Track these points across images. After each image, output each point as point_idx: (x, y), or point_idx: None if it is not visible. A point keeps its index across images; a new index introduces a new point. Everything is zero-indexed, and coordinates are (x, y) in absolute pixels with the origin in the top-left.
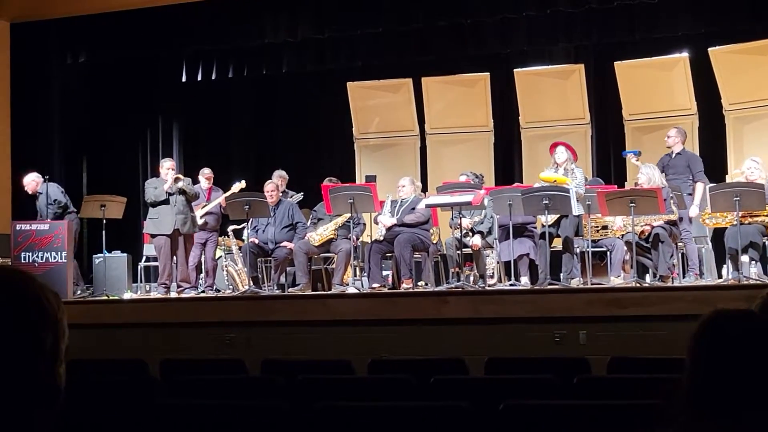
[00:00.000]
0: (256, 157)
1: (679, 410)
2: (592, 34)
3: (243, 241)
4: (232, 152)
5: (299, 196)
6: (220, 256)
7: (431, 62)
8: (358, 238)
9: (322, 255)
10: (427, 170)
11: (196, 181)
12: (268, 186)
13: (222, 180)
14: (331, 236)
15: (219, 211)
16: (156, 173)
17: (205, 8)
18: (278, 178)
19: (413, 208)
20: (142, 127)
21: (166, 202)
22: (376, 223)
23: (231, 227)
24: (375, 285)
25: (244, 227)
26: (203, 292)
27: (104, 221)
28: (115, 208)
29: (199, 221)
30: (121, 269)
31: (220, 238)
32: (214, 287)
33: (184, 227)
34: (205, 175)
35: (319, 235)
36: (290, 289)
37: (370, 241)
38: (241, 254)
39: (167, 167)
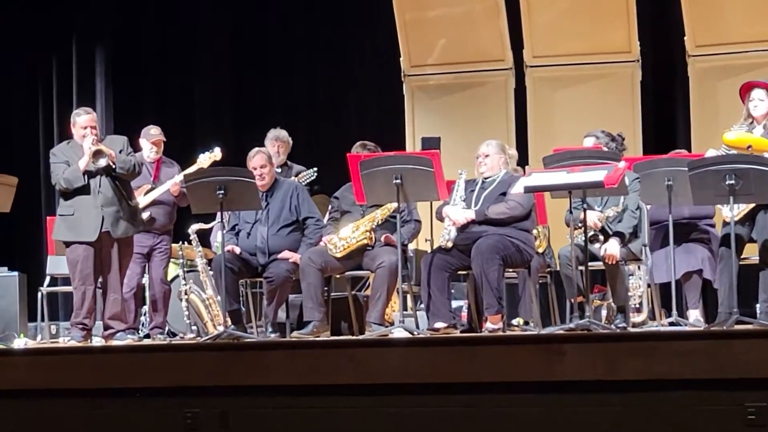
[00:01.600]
0: (237, 108)
1: None
2: None
3: (213, 251)
4: (196, 99)
5: (310, 174)
6: (176, 277)
7: None
8: (408, 245)
9: (348, 274)
10: (527, 129)
11: (136, 149)
12: (257, 158)
13: (180, 147)
14: (365, 242)
15: (173, 200)
16: (67, 135)
17: None
18: (275, 143)
19: (503, 194)
20: (43, 58)
21: (85, 188)
22: (441, 219)
23: (194, 226)
24: (439, 325)
25: (214, 227)
26: (147, 336)
27: None
28: None
29: (144, 216)
30: (9, 299)
31: (175, 246)
32: (166, 329)
33: (115, 228)
34: (152, 138)
35: (343, 239)
36: (295, 333)
37: (429, 251)
38: (211, 273)
39: (83, 124)
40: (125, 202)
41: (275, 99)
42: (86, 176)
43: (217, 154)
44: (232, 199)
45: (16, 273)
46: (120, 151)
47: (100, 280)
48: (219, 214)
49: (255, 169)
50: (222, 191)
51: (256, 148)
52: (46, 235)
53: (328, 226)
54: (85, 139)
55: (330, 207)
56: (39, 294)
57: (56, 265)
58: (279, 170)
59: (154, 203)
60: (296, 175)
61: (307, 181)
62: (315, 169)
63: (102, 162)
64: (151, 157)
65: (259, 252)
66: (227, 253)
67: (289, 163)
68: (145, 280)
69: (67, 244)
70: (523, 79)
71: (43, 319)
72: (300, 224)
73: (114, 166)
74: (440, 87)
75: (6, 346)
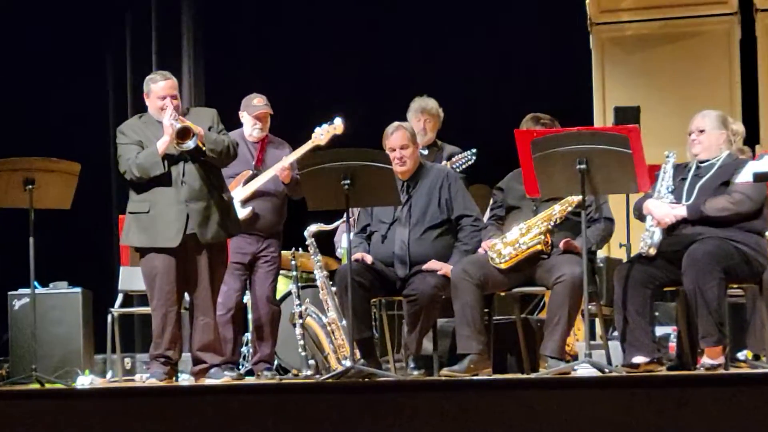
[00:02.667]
0: (365, 71)
1: None
2: None
3: (337, 259)
4: (312, 61)
5: (467, 158)
6: (288, 295)
7: None
8: (597, 253)
9: (516, 291)
10: (757, 96)
11: (233, 125)
12: (396, 136)
13: (292, 123)
14: (538, 248)
15: (282, 190)
16: (140, 108)
17: None
18: (420, 116)
19: (725, 183)
20: (114, 15)
21: (164, 178)
22: (641, 217)
23: (312, 227)
24: (638, 359)
25: (339, 228)
26: (250, 373)
27: (32, 216)
28: (57, 187)
29: (241, 214)
30: (70, 323)
31: (286, 254)
32: (275, 363)
33: (205, 230)
34: (255, 110)
35: (510, 245)
36: (445, 370)
37: (626, 259)
38: (334, 289)
39: (161, 93)
40: (217, 194)
41: (416, 55)
42: (166, 162)
43: (338, 126)
44: (363, 192)
45: (79, 289)
46: (209, 129)
47: (186, 299)
48: (345, 211)
49: (393, 150)
50: (348, 181)
51: (396, 123)
52: (118, 240)
53: (490, 227)
54: (164, 113)
55: (492, 201)
56: (109, 317)
57: (131, 278)
58: (425, 152)
59: (258, 195)
60: (448, 159)
61: (464, 166)
62: (474, 150)
63: (189, 144)
64: (254, 136)
65: (398, 262)
66: (355, 264)
67: (438, 142)
68: (247, 299)
69: (142, 251)
70: (753, 27)
71: (114, 351)
72: (452, 225)
73: (203, 148)
74: (639, 39)
75: (66, 385)
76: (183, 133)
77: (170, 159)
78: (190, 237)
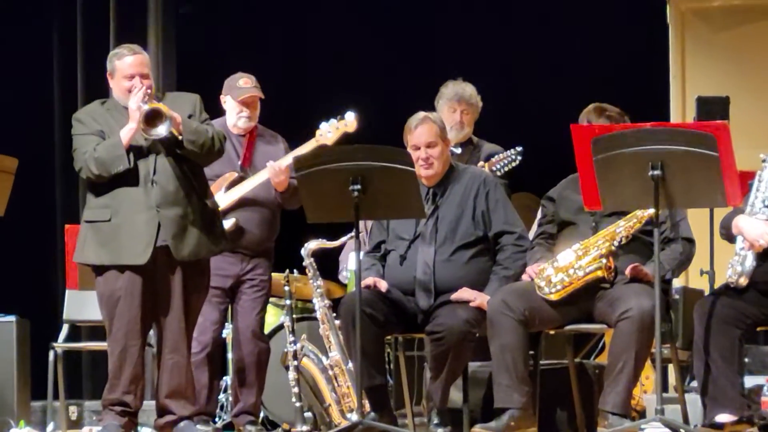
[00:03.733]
0: (384, 49)
1: None
2: None
3: (343, 285)
4: (311, 32)
5: (510, 158)
6: (279, 328)
7: None
8: (672, 282)
9: (569, 329)
10: None
11: (215, 112)
12: (421, 130)
13: (287, 111)
14: (598, 275)
15: (274, 198)
16: (91, 94)
17: None
18: (454, 105)
19: None
20: None
21: (130, 176)
22: (730, 237)
23: (311, 244)
24: (723, 418)
25: (345, 246)
26: (229, 427)
27: None
28: None
29: (226, 225)
30: (2, 359)
31: (278, 277)
32: (261, 416)
33: (180, 244)
34: (240, 93)
35: (563, 271)
36: (478, 427)
37: (708, 291)
38: (338, 323)
39: (129, 71)
40: (198, 199)
41: (442, 29)
42: (132, 155)
43: (350, 122)
44: (377, 200)
45: (13, 318)
46: (189, 117)
47: (152, 331)
48: (354, 224)
49: (417, 148)
50: (359, 186)
51: (421, 114)
52: (65, 256)
53: (537, 247)
54: (131, 95)
55: (540, 215)
56: (51, 353)
57: (79, 305)
58: (458, 151)
59: (243, 204)
60: (486, 161)
61: (505, 169)
62: (519, 149)
63: (161, 130)
64: (239, 127)
65: (421, 290)
66: (366, 291)
67: (475, 139)
68: (227, 333)
69: (99, 269)
70: None
71: (56, 396)
72: (490, 243)
73: (180, 138)
74: (729, 12)
75: None
76: (152, 117)
77: (138, 152)
78: (162, 251)
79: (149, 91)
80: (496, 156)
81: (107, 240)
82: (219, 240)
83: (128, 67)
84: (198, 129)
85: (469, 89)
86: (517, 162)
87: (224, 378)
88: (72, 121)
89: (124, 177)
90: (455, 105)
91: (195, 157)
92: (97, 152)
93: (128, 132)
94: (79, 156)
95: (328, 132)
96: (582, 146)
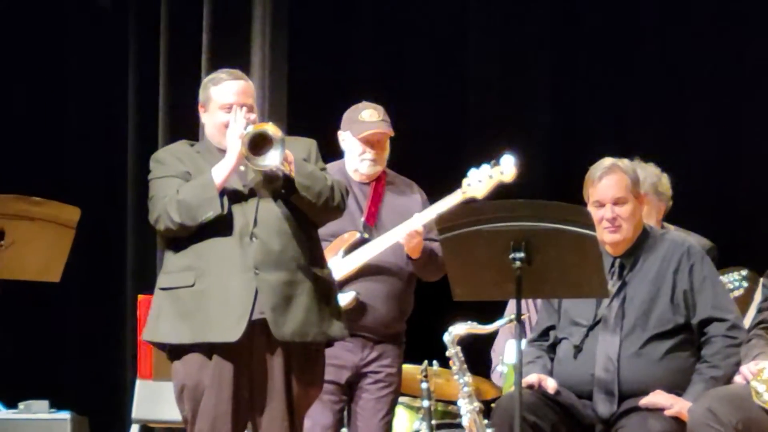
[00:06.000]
0: (561, 78)
1: None
2: None
3: (499, 382)
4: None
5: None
6: None
7: None
8: None
9: None
10: None
11: (330, 155)
12: (608, 181)
13: (428, 154)
14: None
15: (408, 267)
16: (187, 131)
17: None
18: None
19: None
20: None
21: (223, 227)
22: None
23: (457, 328)
24: None
25: (500, 332)
26: None
27: None
28: (39, 246)
29: (344, 301)
30: None
31: (411, 370)
32: None
33: (282, 320)
34: (364, 129)
35: None
36: None
37: None
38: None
39: (227, 100)
40: (307, 265)
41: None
42: (226, 200)
43: (507, 171)
44: (545, 273)
45: (68, 414)
46: (303, 161)
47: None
48: (513, 304)
49: (601, 206)
50: (522, 254)
51: (609, 161)
52: (136, 336)
53: (756, 339)
54: (230, 126)
55: (761, 297)
56: None
57: (153, 401)
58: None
59: (367, 272)
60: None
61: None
62: (744, 273)
63: (271, 158)
64: (362, 173)
65: (601, 391)
66: (529, 392)
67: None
68: None
69: (177, 351)
70: None
71: None
72: (693, 334)
73: (292, 177)
74: None
75: None
76: (258, 141)
77: (234, 198)
78: (259, 328)
79: (245, 118)
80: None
81: (189, 312)
82: (336, 323)
83: (228, 95)
84: (315, 174)
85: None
86: (742, 290)
87: None
88: (150, 163)
89: (214, 229)
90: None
91: (309, 209)
92: (181, 194)
93: (225, 168)
94: (156, 203)
95: (479, 181)
96: None
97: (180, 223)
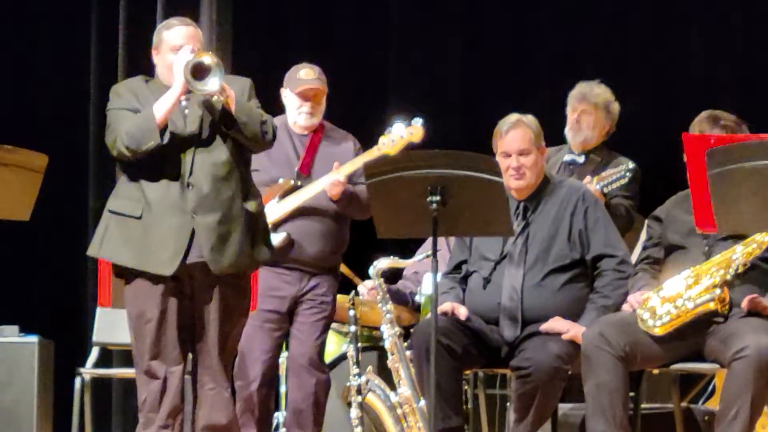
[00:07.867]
0: (476, 38)
1: None
2: None
3: (416, 311)
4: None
5: (618, 174)
6: (341, 358)
7: None
8: None
9: (675, 368)
10: None
11: (272, 108)
12: (513, 135)
13: (357, 109)
14: (710, 307)
15: (325, 203)
16: (140, 67)
17: None
18: (574, 104)
19: None
20: None
21: (166, 163)
22: None
23: (380, 263)
24: None
25: (419, 266)
26: None
27: None
28: (10, 188)
29: (274, 240)
30: (20, 386)
31: (341, 299)
32: None
33: (219, 255)
34: (301, 85)
35: (670, 302)
36: None
37: None
38: (409, 354)
39: (177, 42)
40: (240, 202)
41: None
42: (168, 135)
43: (416, 130)
44: (458, 214)
45: (35, 338)
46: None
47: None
48: (430, 241)
49: (507, 156)
50: (438, 197)
51: (514, 116)
52: (97, 268)
53: (641, 273)
54: (176, 59)
55: (645, 236)
56: (77, 380)
57: (111, 325)
58: (580, 160)
59: (303, 213)
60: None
61: (612, 187)
62: (631, 167)
63: (212, 84)
64: (300, 125)
65: (506, 318)
66: (443, 318)
67: (606, 152)
68: (283, 361)
69: (128, 276)
70: None
71: (82, 429)
72: (587, 268)
73: (230, 110)
74: None
75: None
76: (199, 69)
77: (175, 143)
78: (199, 267)
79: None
80: (605, 171)
81: (132, 239)
82: (264, 250)
83: (178, 37)
84: (251, 111)
85: (597, 89)
86: (626, 179)
87: (276, 414)
88: (109, 94)
89: (161, 168)
90: (575, 104)
91: (245, 141)
92: (129, 126)
93: (167, 99)
94: (111, 131)
95: (392, 141)
96: (695, 159)
97: (128, 148)
